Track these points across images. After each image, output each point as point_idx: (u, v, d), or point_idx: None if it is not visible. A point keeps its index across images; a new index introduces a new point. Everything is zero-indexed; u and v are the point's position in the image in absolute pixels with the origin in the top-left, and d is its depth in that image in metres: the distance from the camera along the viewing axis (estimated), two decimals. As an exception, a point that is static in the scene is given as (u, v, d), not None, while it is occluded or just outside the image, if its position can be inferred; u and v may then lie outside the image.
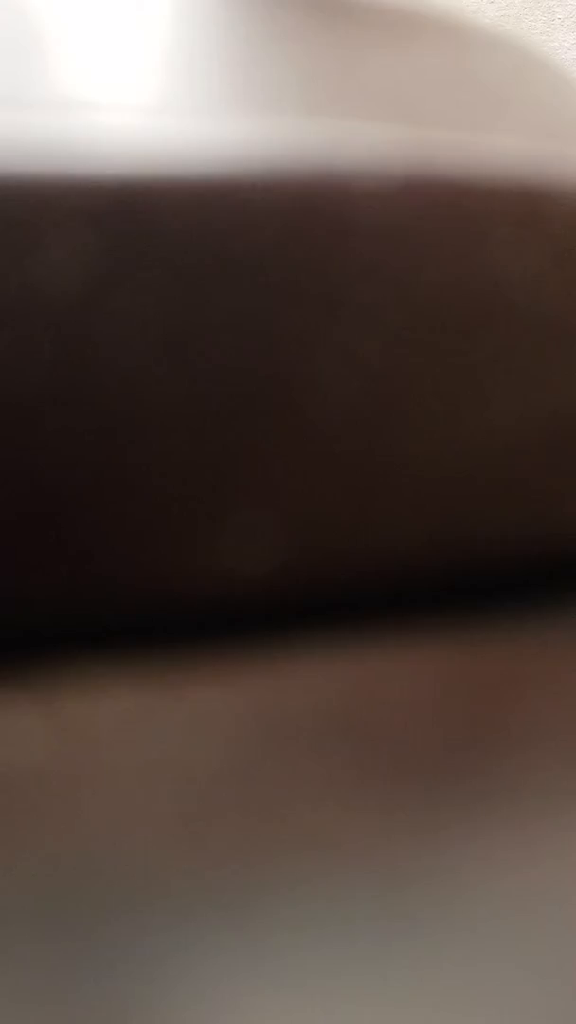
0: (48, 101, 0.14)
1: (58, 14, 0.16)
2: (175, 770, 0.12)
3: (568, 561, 0.17)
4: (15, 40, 0.15)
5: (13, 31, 0.15)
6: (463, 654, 0.15)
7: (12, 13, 0.16)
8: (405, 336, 0.15)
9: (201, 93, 0.15)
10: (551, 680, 0.14)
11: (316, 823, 0.11)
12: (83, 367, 0.14)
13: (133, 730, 0.13)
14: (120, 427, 0.14)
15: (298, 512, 0.15)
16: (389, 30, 0.18)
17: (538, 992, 0.08)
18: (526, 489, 0.16)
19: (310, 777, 0.12)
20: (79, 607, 0.15)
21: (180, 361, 0.14)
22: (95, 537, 0.14)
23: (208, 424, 0.14)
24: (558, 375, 0.16)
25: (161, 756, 0.12)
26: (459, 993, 0.08)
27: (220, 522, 0.15)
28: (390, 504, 0.16)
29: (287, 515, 0.15)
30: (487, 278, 0.16)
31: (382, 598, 0.16)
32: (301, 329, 0.15)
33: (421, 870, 0.10)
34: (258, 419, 0.15)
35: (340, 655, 0.15)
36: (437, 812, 0.11)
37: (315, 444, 0.15)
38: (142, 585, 0.15)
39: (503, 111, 0.17)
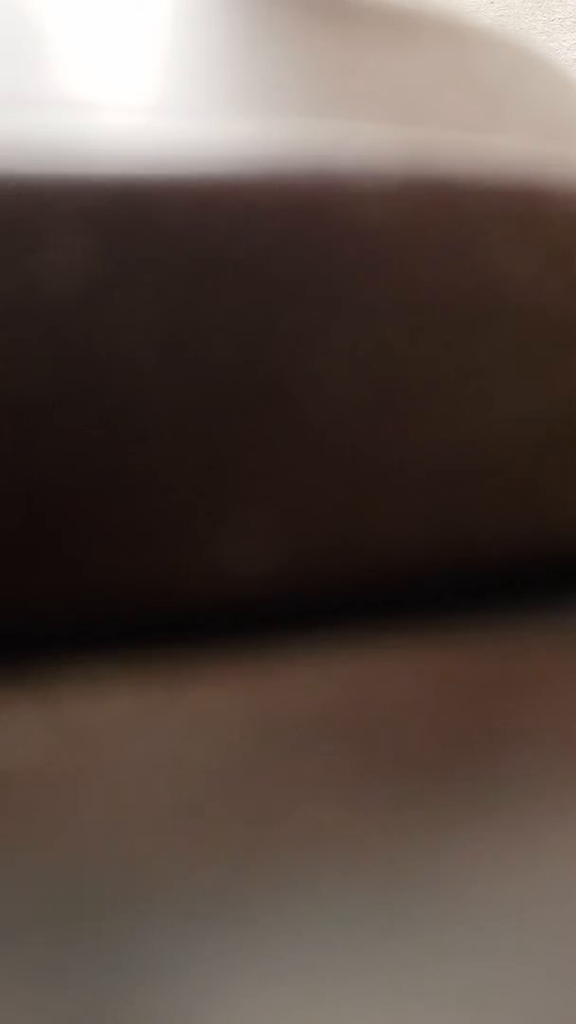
0: (48, 101, 0.14)
1: (58, 14, 0.16)
2: (175, 770, 0.12)
3: (568, 561, 0.17)
4: (15, 40, 0.15)
5: (13, 31, 0.15)
6: (463, 654, 0.15)
7: (12, 13, 0.16)
8: (404, 336, 0.15)
9: (201, 93, 0.15)
10: (551, 680, 0.14)
11: (316, 823, 0.11)
12: (83, 367, 0.14)
13: (133, 730, 0.13)
14: (120, 427, 0.14)
15: (297, 512, 0.15)
16: (389, 30, 0.18)
17: (539, 992, 0.08)
18: (526, 489, 0.16)
19: (310, 777, 0.12)
20: (79, 607, 0.15)
21: (180, 361, 0.14)
22: (95, 537, 0.14)
23: (207, 424, 0.14)
24: (557, 375, 0.16)
25: (161, 756, 0.12)
26: (460, 993, 0.08)
27: (220, 522, 0.15)
28: (389, 504, 0.16)
29: (286, 515, 0.15)
30: (486, 278, 0.16)
31: (382, 598, 0.16)
32: (301, 329, 0.15)
33: (421, 869, 0.10)
34: (257, 419, 0.15)
35: (340, 655, 0.15)
36: (437, 812, 0.11)
37: (314, 444, 0.15)
38: (142, 585, 0.15)
39: (503, 111, 0.17)
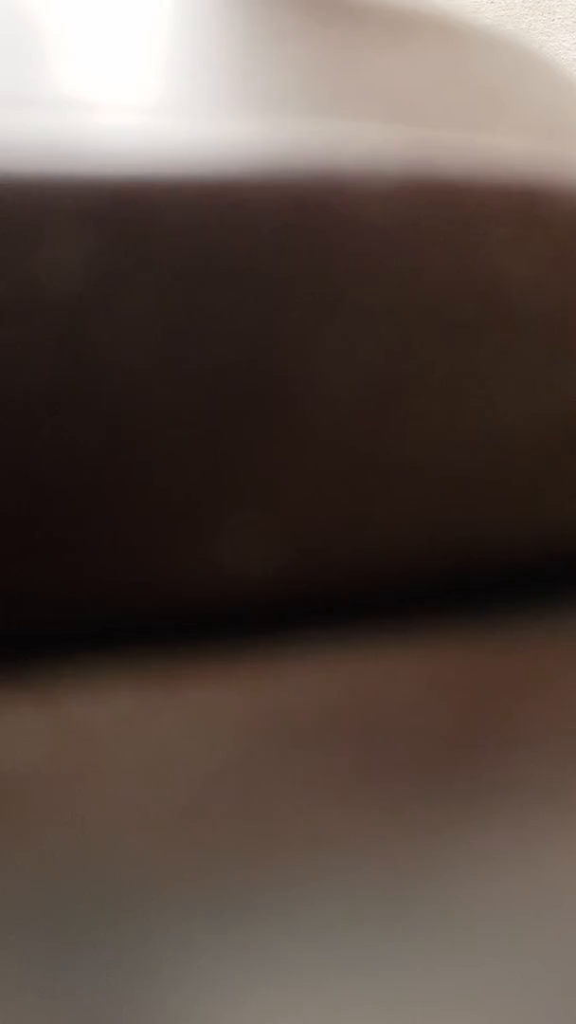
0: (48, 101, 0.14)
1: (58, 14, 0.16)
2: (175, 770, 0.12)
3: (568, 561, 0.17)
4: (15, 40, 0.15)
5: (13, 31, 0.15)
6: (463, 654, 0.15)
7: (12, 13, 0.16)
8: (404, 336, 0.15)
9: (201, 93, 0.15)
10: (551, 680, 0.14)
11: (316, 822, 0.11)
12: (83, 367, 0.14)
13: (133, 730, 0.13)
14: (119, 427, 0.14)
15: (297, 512, 0.15)
16: (389, 31, 0.18)
17: (539, 991, 0.08)
18: (525, 489, 0.16)
19: (310, 776, 0.12)
20: (79, 607, 0.15)
21: (179, 361, 0.14)
22: (96, 537, 0.14)
23: (207, 424, 0.14)
24: (558, 376, 0.16)
25: (161, 756, 0.12)
26: (459, 992, 0.08)
27: (220, 522, 0.15)
28: (389, 505, 0.16)
29: (286, 515, 0.15)
30: (486, 278, 0.16)
31: (382, 598, 0.16)
32: (300, 329, 0.15)
33: (422, 869, 0.10)
34: (257, 419, 0.15)
35: (340, 655, 0.15)
36: (437, 811, 0.11)
37: (314, 445, 0.15)
38: (142, 585, 0.15)
39: (503, 111, 0.17)
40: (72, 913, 0.09)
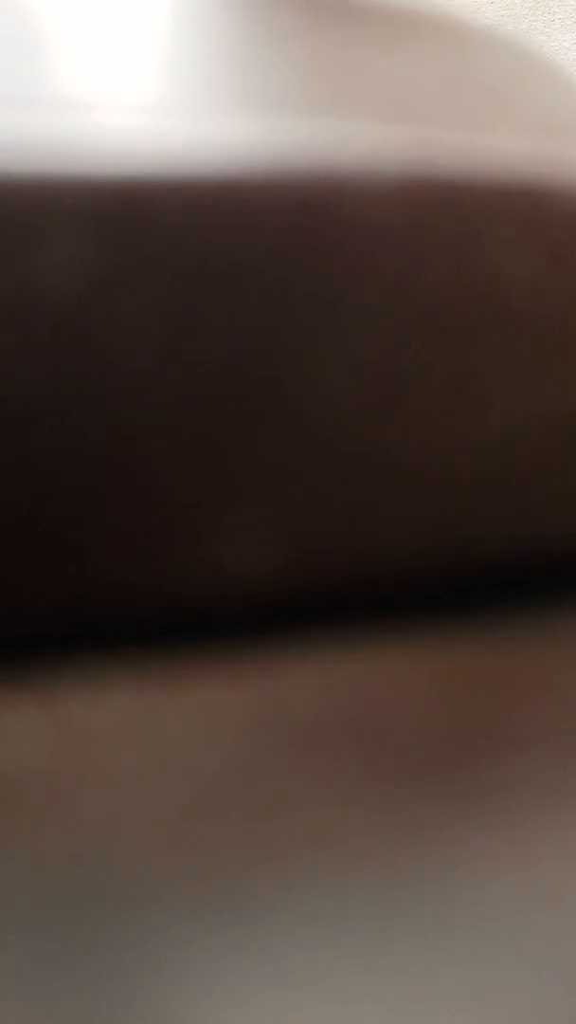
0: (48, 101, 0.14)
1: (58, 14, 0.16)
2: (175, 770, 0.12)
3: (568, 561, 0.17)
4: (15, 40, 0.15)
5: (13, 31, 0.15)
6: (463, 654, 0.15)
7: (12, 13, 0.16)
8: (404, 336, 0.15)
9: (201, 94, 0.15)
10: (550, 680, 0.14)
11: (316, 823, 0.11)
12: (83, 367, 0.14)
13: (133, 730, 0.13)
14: (120, 427, 0.14)
15: (298, 513, 0.15)
16: (389, 31, 0.18)
17: (538, 991, 0.08)
18: (525, 489, 0.16)
19: (310, 777, 0.12)
20: (79, 607, 0.15)
21: (179, 361, 0.14)
22: (95, 537, 0.14)
23: (207, 424, 0.14)
24: (557, 376, 0.16)
25: (161, 756, 0.12)
26: (458, 992, 0.08)
27: (220, 522, 0.15)
28: (390, 505, 0.16)
29: (287, 515, 0.15)
30: (487, 278, 0.16)
31: (382, 598, 0.16)
32: (300, 329, 0.15)
33: (421, 870, 0.10)
34: (258, 420, 0.15)
35: (340, 655, 0.15)
36: (437, 811, 0.11)
37: (314, 445, 0.15)
38: (142, 585, 0.15)
39: (503, 111, 0.17)
40: (72, 913, 0.09)
